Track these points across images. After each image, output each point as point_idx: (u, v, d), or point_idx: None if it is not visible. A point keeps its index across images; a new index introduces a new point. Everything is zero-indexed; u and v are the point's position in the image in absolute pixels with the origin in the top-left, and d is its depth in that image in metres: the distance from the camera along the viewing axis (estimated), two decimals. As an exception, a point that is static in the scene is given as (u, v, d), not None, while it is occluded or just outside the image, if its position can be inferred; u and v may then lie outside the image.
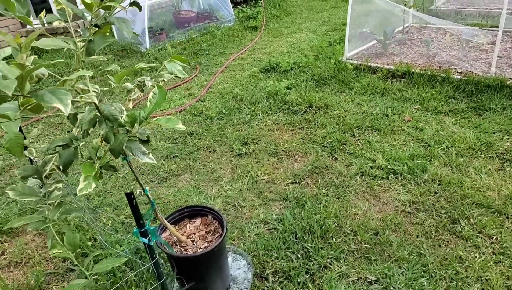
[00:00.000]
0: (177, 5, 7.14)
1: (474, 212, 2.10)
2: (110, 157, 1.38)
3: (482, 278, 1.73)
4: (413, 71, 3.69)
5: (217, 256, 1.72)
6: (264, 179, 2.64)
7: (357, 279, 1.82)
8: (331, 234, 2.07)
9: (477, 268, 1.78)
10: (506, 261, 1.80)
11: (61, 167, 1.24)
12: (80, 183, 1.20)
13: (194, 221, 1.87)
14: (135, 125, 1.26)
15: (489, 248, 1.88)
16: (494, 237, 1.94)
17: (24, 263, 2.15)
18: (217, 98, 4.08)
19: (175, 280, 1.81)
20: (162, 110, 4.00)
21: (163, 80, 1.51)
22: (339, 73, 4.05)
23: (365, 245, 1.98)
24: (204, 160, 2.98)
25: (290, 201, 2.38)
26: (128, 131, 1.28)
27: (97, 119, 1.16)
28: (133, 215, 1.48)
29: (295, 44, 5.63)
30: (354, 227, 2.11)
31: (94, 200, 2.60)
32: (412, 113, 3.20)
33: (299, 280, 1.83)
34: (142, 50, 6.13)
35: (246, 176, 2.68)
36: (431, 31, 4.64)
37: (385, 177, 2.49)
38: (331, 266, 1.89)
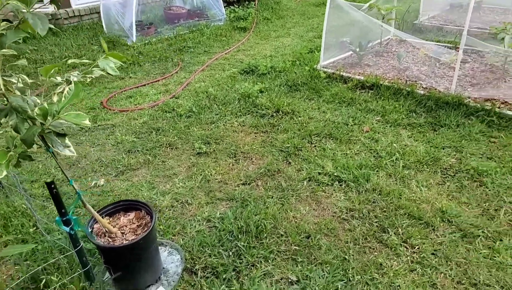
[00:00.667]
0: (169, 1, 7.21)
1: (404, 223, 2.18)
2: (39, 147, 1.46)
3: (394, 285, 1.82)
4: (381, 83, 3.77)
5: (144, 248, 1.80)
6: (217, 179, 2.72)
7: (280, 279, 1.90)
8: (265, 235, 2.15)
9: (391, 275, 1.86)
10: (420, 270, 1.89)
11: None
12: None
13: (129, 215, 1.95)
14: (48, 118, 1.33)
15: (408, 257, 1.97)
16: (416, 247, 2.03)
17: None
18: (191, 96, 4.16)
19: (107, 270, 1.88)
20: (136, 105, 4.08)
21: (91, 77, 1.58)
22: (311, 80, 4.13)
23: (294, 247, 2.07)
24: (164, 156, 3.06)
25: (236, 201, 2.47)
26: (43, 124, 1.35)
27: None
28: (55, 204, 1.56)
29: (279, 48, 5.71)
30: (289, 229, 2.19)
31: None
32: (372, 124, 3.28)
33: (225, 277, 1.91)
34: (128, 43, 6.20)
35: (201, 174, 2.77)
36: (409, 45, 4.73)
37: (330, 183, 2.57)
38: (258, 265, 1.97)
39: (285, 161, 2.89)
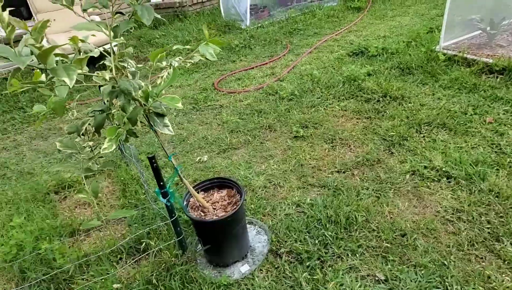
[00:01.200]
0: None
1: (524, 233, 1.85)
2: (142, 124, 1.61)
3: (501, 304, 1.57)
4: (515, 66, 3.22)
5: (231, 225, 1.86)
6: (311, 164, 2.67)
7: (367, 275, 1.80)
8: (355, 227, 2.04)
9: (500, 292, 1.61)
10: (538, 292, 1.59)
11: (93, 128, 1.51)
12: (105, 144, 1.44)
13: (222, 192, 2.04)
14: (149, 100, 1.44)
15: (525, 275, 1.67)
16: (538, 264, 1.71)
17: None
18: (295, 79, 4.14)
19: (199, 241, 2.01)
20: (243, 87, 4.22)
21: (191, 62, 1.66)
22: (427, 63, 3.73)
23: (386, 244, 1.93)
24: (262, 138, 3.11)
25: (328, 189, 2.39)
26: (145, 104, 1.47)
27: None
28: (155, 177, 1.70)
29: (394, 29, 5.28)
30: (382, 224, 2.04)
31: (163, 162, 2.96)
32: (498, 115, 2.83)
33: (308, 264, 1.88)
34: (242, 27, 6.42)
35: (295, 158, 2.75)
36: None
37: (436, 179, 2.31)
38: (344, 258, 1.89)
39: (387, 151, 2.68)
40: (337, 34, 5.48)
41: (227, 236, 1.90)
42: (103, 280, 1.82)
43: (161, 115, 1.50)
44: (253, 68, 4.79)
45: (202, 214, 1.90)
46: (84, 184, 1.53)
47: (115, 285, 1.78)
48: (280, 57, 5.00)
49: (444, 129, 2.79)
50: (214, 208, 1.94)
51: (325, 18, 6.24)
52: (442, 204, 2.13)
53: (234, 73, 4.70)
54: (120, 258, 2.06)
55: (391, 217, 2.10)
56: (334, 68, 4.21)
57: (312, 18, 6.30)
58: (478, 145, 2.56)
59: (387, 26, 5.47)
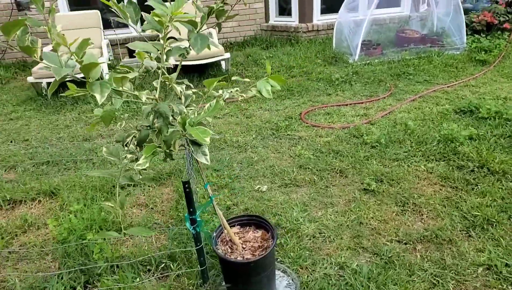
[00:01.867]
0: (403, 24, 6.86)
1: None
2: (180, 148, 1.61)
3: None
4: None
5: (256, 271, 1.76)
6: (371, 225, 2.41)
7: None
8: (395, 313, 1.76)
9: None
10: None
11: (135, 142, 1.56)
12: (140, 160, 1.47)
13: (257, 231, 1.95)
14: (186, 127, 1.42)
15: None
16: None
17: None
18: (387, 125, 3.84)
19: (222, 275, 1.94)
20: (329, 123, 4.06)
21: (243, 96, 1.62)
22: (549, 138, 3.14)
23: None
24: (330, 182, 2.93)
25: (381, 259, 2.12)
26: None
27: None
28: (186, 202, 1.69)
29: (522, 90, 4.60)
30: (429, 321, 1.72)
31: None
32: None
33: (328, 339, 1.67)
34: (350, 61, 6.25)
35: (356, 214, 2.51)
36: None
37: (517, 285, 1.89)
38: None
39: (465, 232, 2.29)
40: (450, 86, 4.97)
41: (250, 280, 1.79)
42: (120, 288, 1.86)
43: (197, 144, 1.48)
44: (347, 105, 4.60)
45: (229, 250, 1.83)
46: (117, 194, 1.58)
47: (129, 296, 1.80)
48: (379, 99, 4.72)
49: (548, 224, 2.29)
50: (244, 248, 1.85)
51: (441, 67, 5.72)
52: (515, 319, 1.72)
53: (325, 107, 4.57)
54: (149, 270, 2.09)
55: (443, 315, 1.76)
56: (433, 123, 3.80)
57: (427, 64, 5.84)
58: None
59: (513, 86, 4.80)
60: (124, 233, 1.49)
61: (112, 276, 2.02)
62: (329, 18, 7.91)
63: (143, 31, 1.41)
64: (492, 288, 1.89)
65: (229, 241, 1.87)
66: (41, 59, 1.13)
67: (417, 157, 3.18)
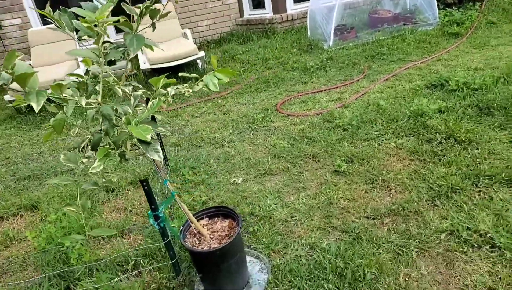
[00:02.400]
0: (375, 5, 6.90)
1: None
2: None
3: None
4: None
5: (223, 258, 1.81)
6: (341, 205, 2.48)
7: None
8: (360, 285, 1.83)
9: None
10: None
11: (90, 146, 1.61)
12: (95, 163, 1.53)
13: (225, 221, 2.01)
14: (128, 126, 1.47)
15: None
16: None
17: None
18: (360, 107, 3.91)
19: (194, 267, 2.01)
20: (304, 111, 4.12)
21: (189, 91, 1.67)
22: (513, 104, 3.21)
23: (388, 313, 1.69)
24: (303, 167, 3.00)
25: (349, 235, 2.19)
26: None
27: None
28: (147, 200, 1.74)
29: (491, 60, 4.67)
30: (392, 287, 1.80)
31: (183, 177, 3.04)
32: None
33: (296, 316, 1.74)
34: (324, 47, 6.31)
35: (326, 195, 2.58)
36: None
37: (476, 245, 1.96)
38: (337, 318, 1.71)
39: (430, 202, 2.36)
40: (423, 62, 5.04)
41: (219, 268, 1.85)
42: (97, 288, 1.92)
43: (145, 142, 1.53)
44: (321, 91, 4.66)
45: (197, 242, 1.89)
46: (78, 198, 1.63)
47: (105, 296, 1.87)
48: (353, 82, 4.78)
49: (509, 186, 2.36)
50: (211, 238, 1.92)
51: (415, 44, 5.78)
52: (474, 277, 1.80)
53: (300, 95, 4.63)
54: (126, 269, 2.16)
55: (405, 280, 1.84)
56: (405, 100, 3.87)
57: (400, 43, 5.90)
58: (546, 212, 2.11)
59: (484, 56, 4.85)
60: (88, 234, 1.55)
61: (90, 279, 2.08)
62: (303, 6, 7.94)
63: (79, 38, 1.45)
64: (453, 251, 1.96)
65: (197, 233, 1.93)
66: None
67: (387, 135, 3.25)
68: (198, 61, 6.15)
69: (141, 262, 2.10)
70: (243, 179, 2.98)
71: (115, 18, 1.33)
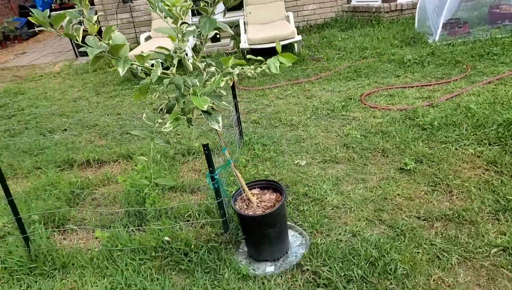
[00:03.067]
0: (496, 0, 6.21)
1: None
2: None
3: None
4: None
5: (265, 226, 2.02)
6: (395, 202, 2.49)
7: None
8: (388, 277, 1.89)
9: None
10: None
11: (166, 110, 1.92)
12: (167, 124, 1.84)
13: (274, 194, 2.21)
14: (191, 97, 1.72)
15: None
16: None
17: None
18: (448, 108, 3.70)
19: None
20: (389, 104, 4.04)
21: (251, 72, 1.86)
22: None
23: (408, 308, 1.73)
24: (369, 160, 3.02)
25: (394, 231, 2.22)
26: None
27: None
28: (207, 162, 2.02)
29: None
30: (421, 287, 1.82)
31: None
32: None
33: (321, 290, 1.88)
34: (429, 41, 5.94)
35: (384, 190, 2.60)
36: None
37: (527, 268, 1.85)
38: (357, 300, 1.81)
39: (492, 215, 2.24)
40: (540, 67, 4.48)
41: (261, 233, 2.06)
42: (159, 231, 2.29)
43: (207, 113, 1.78)
44: (412, 87, 4.48)
45: (245, 207, 2.13)
46: (151, 150, 1.97)
47: (166, 237, 2.22)
48: (450, 81, 4.48)
49: None
50: (258, 206, 2.13)
51: (538, 45, 5.13)
52: (512, 297, 1.73)
53: (389, 88, 4.51)
54: (188, 220, 2.50)
55: (437, 283, 1.84)
56: (503, 107, 3.55)
57: (520, 43, 5.28)
58: None
59: None
60: (154, 182, 1.88)
61: (157, 221, 2.48)
62: (415, -4, 7.48)
63: (165, 17, 1.74)
64: (500, 267, 1.88)
65: (247, 199, 2.16)
66: (84, 43, 1.54)
67: (468, 140, 3.07)
68: (295, 44, 6.29)
69: (196, 215, 2.42)
70: (307, 162, 3.12)
71: (190, 4, 1.57)
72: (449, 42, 5.75)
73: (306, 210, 2.50)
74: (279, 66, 1.88)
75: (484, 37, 5.69)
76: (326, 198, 2.60)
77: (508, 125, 3.14)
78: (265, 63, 1.88)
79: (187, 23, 1.75)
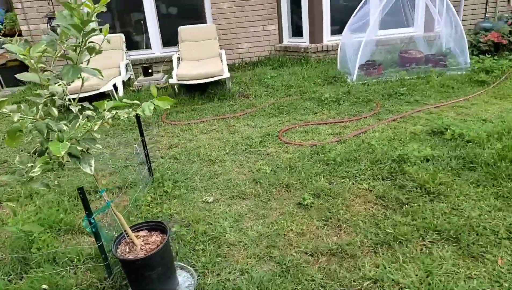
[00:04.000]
0: (406, 44, 6.86)
1: None
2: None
3: None
4: None
5: (146, 269, 2.00)
6: (287, 238, 2.57)
7: None
8: (265, 315, 1.93)
9: None
10: None
11: (37, 154, 1.88)
12: (36, 169, 1.79)
13: (160, 236, 2.20)
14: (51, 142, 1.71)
15: None
16: None
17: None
18: (354, 144, 3.95)
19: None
20: (302, 140, 4.23)
21: (124, 116, 1.90)
22: (497, 162, 3.11)
23: None
24: (273, 195, 3.12)
25: (281, 267, 2.29)
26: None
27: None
28: (83, 206, 1.99)
29: (506, 113, 4.49)
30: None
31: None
32: (538, 249, 2.22)
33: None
34: (348, 80, 6.37)
35: (279, 225, 2.69)
36: None
37: (391, 299, 1.98)
38: None
39: (372, 248, 2.39)
40: (437, 107, 4.94)
41: (143, 277, 2.04)
42: (39, 278, 2.19)
43: (75, 157, 1.77)
44: (326, 123, 4.74)
45: (127, 250, 2.10)
46: (23, 197, 1.91)
47: (43, 286, 2.12)
48: (361, 118, 4.81)
49: (455, 244, 2.33)
50: (142, 249, 2.11)
51: (437, 87, 5.66)
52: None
53: (306, 125, 4.74)
54: (76, 265, 2.41)
55: (309, 320, 1.90)
56: (400, 143, 3.86)
57: (423, 84, 5.81)
58: (480, 277, 2.07)
59: (501, 108, 4.66)
60: (20, 229, 1.81)
61: (40, 268, 2.36)
62: (339, 38, 8.04)
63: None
64: (369, 300, 2.00)
65: (131, 242, 2.14)
66: None
67: (365, 175, 3.28)
68: (226, 81, 6.46)
69: (85, 259, 2.34)
70: (215, 199, 3.16)
71: (41, 54, 1.59)
72: (365, 81, 6.21)
73: (202, 249, 2.52)
74: (160, 107, 1.94)
75: (395, 78, 6.23)
76: (224, 236, 2.64)
77: (400, 161, 3.41)
78: (141, 107, 1.93)
79: (50, 70, 1.76)
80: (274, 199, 3.08)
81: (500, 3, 8.66)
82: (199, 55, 7.24)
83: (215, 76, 6.12)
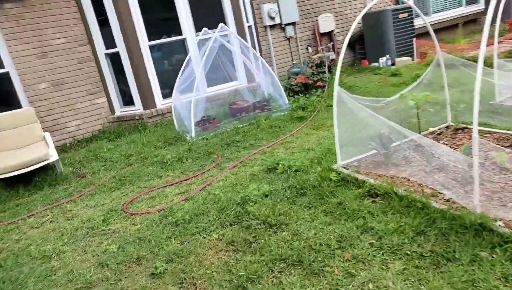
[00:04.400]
0: (233, 96, 7.53)
1: None
2: None
3: None
4: (395, 191, 3.02)
5: None
6: (145, 312, 2.38)
7: None
8: None
9: None
10: None
11: None
12: None
13: None
14: None
15: None
16: None
17: None
18: (201, 198, 3.99)
19: None
20: (149, 207, 4.08)
21: None
22: (321, 183, 3.57)
23: None
24: (124, 274, 2.88)
25: None
26: None
27: None
28: None
29: (323, 140, 5.25)
30: None
31: None
32: (362, 249, 2.56)
33: None
34: (187, 139, 6.54)
35: (133, 304, 2.47)
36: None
37: None
38: None
39: (230, 296, 2.40)
40: (270, 146, 5.47)
41: None
42: None
43: None
44: (172, 184, 4.71)
45: None
46: None
47: None
48: (204, 172, 4.94)
49: (299, 267, 2.52)
50: None
51: (267, 129, 6.31)
52: None
53: (151, 190, 4.61)
54: None
55: None
56: (242, 186, 4.08)
57: (255, 129, 6.39)
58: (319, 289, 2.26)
59: (318, 137, 5.46)
60: None
61: None
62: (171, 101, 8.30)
63: None
64: None
65: None
66: None
67: (214, 226, 3.33)
68: (56, 165, 5.87)
69: None
70: (55, 298, 2.74)
71: None
72: (204, 136, 6.48)
73: None
74: None
75: (230, 128, 6.68)
76: (68, 339, 2.27)
77: (243, 203, 3.58)
78: None
79: None
80: (125, 277, 2.84)
81: (301, 51, 10.37)
82: (16, 143, 6.46)
83: (39, 162, 5.52)
